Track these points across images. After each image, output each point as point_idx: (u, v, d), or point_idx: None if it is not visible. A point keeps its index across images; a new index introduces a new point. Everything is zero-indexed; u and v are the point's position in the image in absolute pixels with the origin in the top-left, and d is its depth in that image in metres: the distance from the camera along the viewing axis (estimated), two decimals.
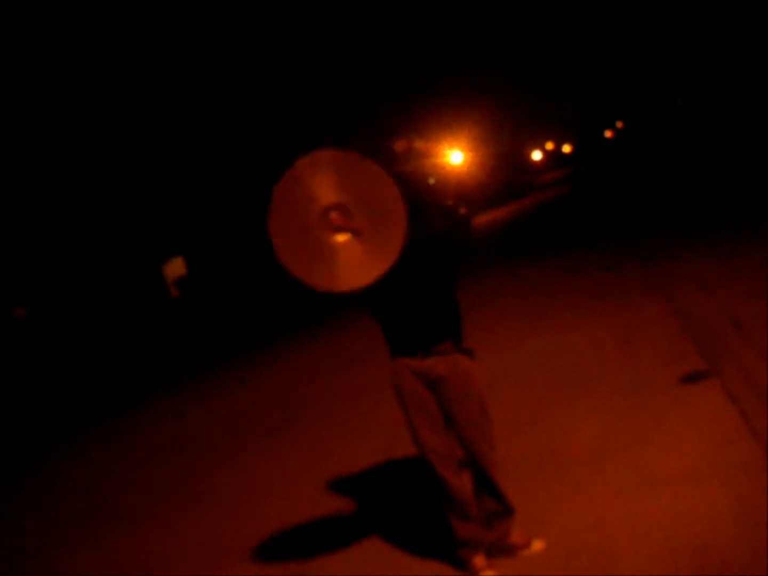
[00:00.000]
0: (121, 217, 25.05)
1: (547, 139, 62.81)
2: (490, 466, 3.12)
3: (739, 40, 27.23)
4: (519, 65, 43.71)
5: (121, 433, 9.25)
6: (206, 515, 5.15)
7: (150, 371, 14.91)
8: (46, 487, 7.64)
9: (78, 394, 14.78)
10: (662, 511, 3.17)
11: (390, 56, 31.52)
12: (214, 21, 26.68)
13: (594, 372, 5.37)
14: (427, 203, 3.10)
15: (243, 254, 26.29)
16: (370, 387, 6.84)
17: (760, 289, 5.77)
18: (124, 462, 7.65)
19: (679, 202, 13.81)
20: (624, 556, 2.95)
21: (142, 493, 6.22)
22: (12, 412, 14.78)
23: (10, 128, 22.52)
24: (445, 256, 3.13)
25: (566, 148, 67.64)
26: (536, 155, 59.29)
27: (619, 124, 62.18)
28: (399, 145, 3.08)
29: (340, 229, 2.84)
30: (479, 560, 3.16)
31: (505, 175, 41.18)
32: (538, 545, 3.22)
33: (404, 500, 4.16)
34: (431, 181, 3.21)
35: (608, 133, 64.59)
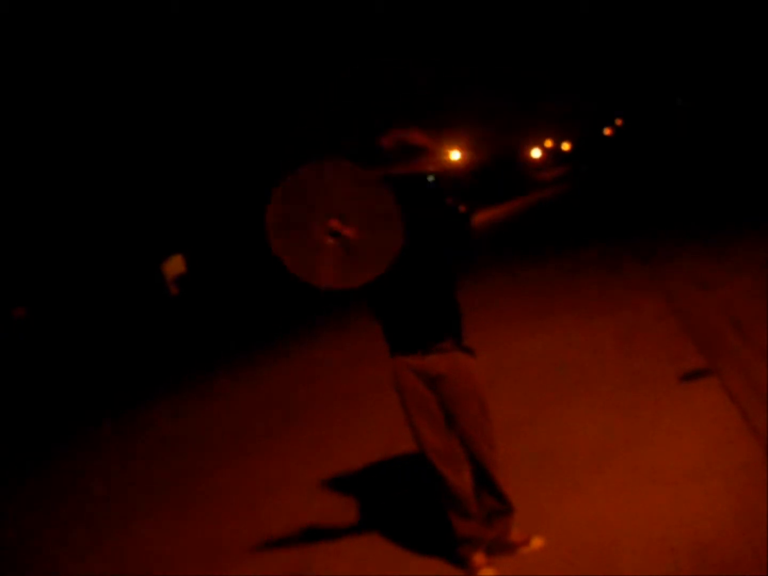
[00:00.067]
0: (120, 216, 25.05)
1: (547, 136, 62.81)
2: (490, 465, 3.12)
3: (739, 40, 27.23)
4: (519, 64, 43.69)
5: (120, 433, 9.26)
6: (206, 515, 5.15)
7: (150, 371, 14.91)
8: (46, 487, 7.65)
9: (78, 393, 14.79)
10: (662, 509, 3.17)
11: (390, 56, 31.51)
12: (214, 21, 26.68)
13: (594, 371, 5.38)
14: (425, 202, 3.10)
15: (242, 252, 26.31)
16: (370, 387, 6.84)
17: (760, 288, 5.77)
18: (124, 462, 7.65)
19: (679, 201, 13.81)
20: (624, 555, 2.96)
21: (142, 493, 6.23)
22: (12, 411, 14.79)
23: (10, 128, 22.52)
24: (445, 255, 3.13)
25: (565, 146, 67.63)
26: (535, 153, 59.30)
27: (618, 122, 62.14)
28: (385, 141, 3.07)
29: (337, 235, 2.87)
30: (479, 558, 3.16)
31: (504, 173, 41.21)
32: (537, 543, 3.24)
33: (404, 498, 4.16)
34: (430, 179, 3.21)
35: (607, 131, 64.56)
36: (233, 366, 11.77)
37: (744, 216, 9.36)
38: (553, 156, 65.65)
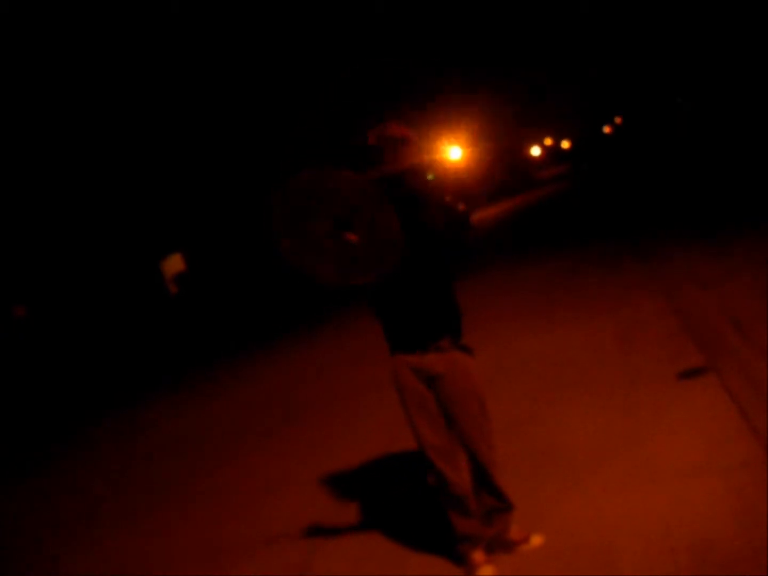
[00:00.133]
0: (119, 215, 25.05)
1: (546, 135, 62.78)
2: (489, 465, 3.12)
3: (739, 40, 27.22)
4: (518, 63, 43.69)
5: (120, 433, 9.26)
6: (206, 515, 5.15)
7: (150, 370, 14.91)
8: (46, 487, 7.65)
9: (78, 393, 14.79)
10: (661, 508, 3.17)
11: (390, 56, 31.51)
12: (214, 21, 26.68)
13: (593, 370, 5.38)
14: (424, 201, 3.10)
15: (242, 250, 26.31)
16: (370, 386, 6.84)
17: (759, 288, 5.78)
18: (124, 462, 7.65)
19: (679, 200, 13.81)
20: (623, 553, 2.96)
21: (142, 493, 6.23)
22: (12, 411, 14.79)
23: (9, 127, 22.52)
24: (443, 254, 3.13)
25: (565, 144, 67.59)
26: (535, 151, 59.29)
27: (618, 120, 62.12)
28: (370, 140, 3.08)
29: (338, 238, 2.88)
30: (478, 555, 3.17)
31: (503, 172, 41.21)
32: (536, 540, 3.24)
33: (404, 497, 4.16)
34: (430, 177, 3.21)
35: (607, 129, 64.54)
36: (233, 365, 11.77)
37: (744, 216, 9.37)
38: (552, 154, 65.61)
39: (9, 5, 22.12)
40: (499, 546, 3.23)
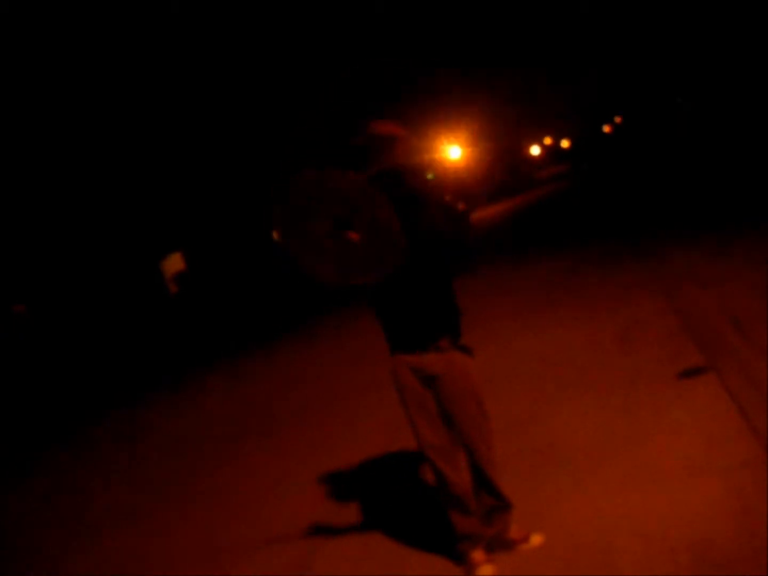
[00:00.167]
0: (119, 214, 25.05)
1: (546, 134, 62.75)
2: (488, 464, 3.12)
3: (739, 40, 27.22)
4: (518, 62, 43.69)
5: (120, 433, 9.25)
6: (206, 515, 5.15)
7: (149, 370, 14.91)
8: (46, 487, 7.64)
9: (78, 392, 14.78)
10: (661, 507, 3.17)
11: (390, 56, 31.51)
12: (214, 21, 26.67)
13: (593, 370, 5.38)
14: (424, 200, 3.10)
15: (241, 249, 26.32)
16: (370, 386, 6.84)
17: (759, 287, 5.78)
18: (124, 462, 7.65)
19: (679, 200, 13.81)
20: (623, 553, 2.96)
21: (142, 493, 6.22)
22: (12, 411, 14.78)
23: (9, 127, 22.52)
24: (442, 254, 3.13)
25: (564, 144, 67.57)
26: (535, 150, 59.27)
27: (617, 120, 62.12)
28: (359, 140, 3.09)
29: (339, 236, 2.89)
30: (478, 554, 3.17)
31: (503, 171, 41.19)
32: (536, 539, 3.25)
33: (404, 496, 4.16)
34: (430, 176, 3.22)
35: (606, 128, 64.53)
36: (233, 365, 11.77)
37: (744, 216, 9.37)
38: (552, 153, 65.57)
39: (9, 5, 22.11)
40: (499, 545, 3.23)
